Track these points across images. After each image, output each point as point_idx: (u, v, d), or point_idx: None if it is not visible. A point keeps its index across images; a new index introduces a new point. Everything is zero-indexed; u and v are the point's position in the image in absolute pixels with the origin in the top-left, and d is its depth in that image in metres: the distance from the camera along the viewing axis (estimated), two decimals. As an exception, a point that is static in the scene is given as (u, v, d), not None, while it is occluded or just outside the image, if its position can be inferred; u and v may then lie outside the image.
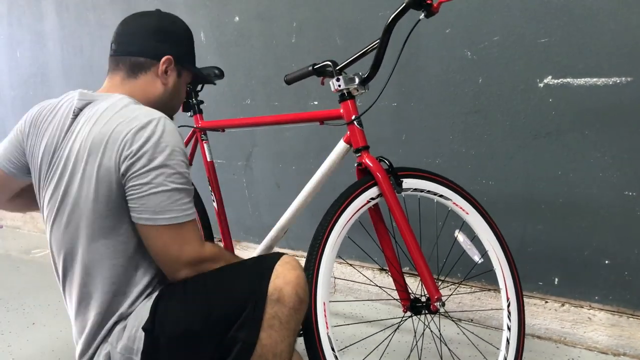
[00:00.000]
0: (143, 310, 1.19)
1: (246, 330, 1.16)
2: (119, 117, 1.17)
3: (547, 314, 1.97)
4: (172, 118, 1.37)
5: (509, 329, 1.53)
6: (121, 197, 1.16)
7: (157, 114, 1.18)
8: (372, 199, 1.46)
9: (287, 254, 1.25)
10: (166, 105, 1.32)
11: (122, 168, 1.14)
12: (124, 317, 1.20)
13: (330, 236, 1.37)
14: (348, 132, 1.51)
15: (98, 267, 1.20)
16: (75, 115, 1.22)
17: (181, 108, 1.74)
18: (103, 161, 1.15)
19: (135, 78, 1.28)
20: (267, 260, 1.22)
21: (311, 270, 1.33)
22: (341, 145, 1.54)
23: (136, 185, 1.14)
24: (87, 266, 1.20)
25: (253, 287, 1.18)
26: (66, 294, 1.28)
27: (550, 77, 1.85)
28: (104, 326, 1.21)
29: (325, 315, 1.31)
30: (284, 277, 1.17)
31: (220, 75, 1.95)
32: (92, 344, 1.22)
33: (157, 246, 1.17)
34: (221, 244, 2.01)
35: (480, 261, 1.54)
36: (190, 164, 2.11)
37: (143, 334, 1.16)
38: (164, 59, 1.28)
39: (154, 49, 1.28)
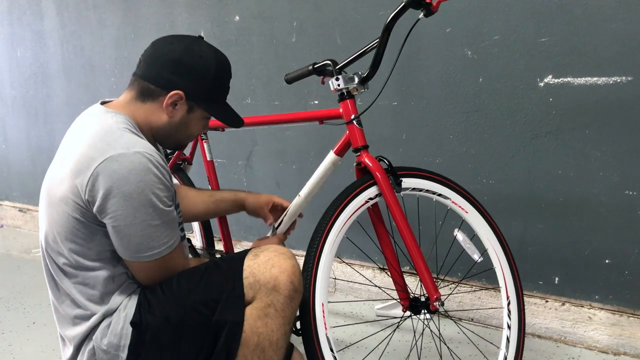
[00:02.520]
0: (129, 306, 1.20)
1: (230, 310, 1.18)
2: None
3: (547, 313, 1.97)
4: (179, 149, 1.39)
5: (509, 327, 1.53)
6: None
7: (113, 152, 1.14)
8: (371, 198, 1.46)
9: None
10: (169, 137, 1.31)
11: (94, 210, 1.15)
12: (108, 314, 1.21)
13: (329, 236, 1.37)
14: (347, 132, 1.50)
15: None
16: None
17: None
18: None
19: (142, 102, 1.26)
20: (244, 251, 1.28)
21: (309, 271, 1.33)
22: (330, 157, 1.52)
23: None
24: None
25: (229, 269, 1.22)
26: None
27: (550, 76, 1.84)
28: (88, 323, 1.21)
29: (324, 317, 1.31)
30: (279, 266, 1.20)
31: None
32: (76, 340, 1.22)
33: (140, 277, 1.24)
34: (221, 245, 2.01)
35: (480, 260, 1.53)
36: (190, 164, 2.12)
37: (130, 329, 1.17)
38: (172, 92, 1.23)
39: (167, 80, 1.23)
